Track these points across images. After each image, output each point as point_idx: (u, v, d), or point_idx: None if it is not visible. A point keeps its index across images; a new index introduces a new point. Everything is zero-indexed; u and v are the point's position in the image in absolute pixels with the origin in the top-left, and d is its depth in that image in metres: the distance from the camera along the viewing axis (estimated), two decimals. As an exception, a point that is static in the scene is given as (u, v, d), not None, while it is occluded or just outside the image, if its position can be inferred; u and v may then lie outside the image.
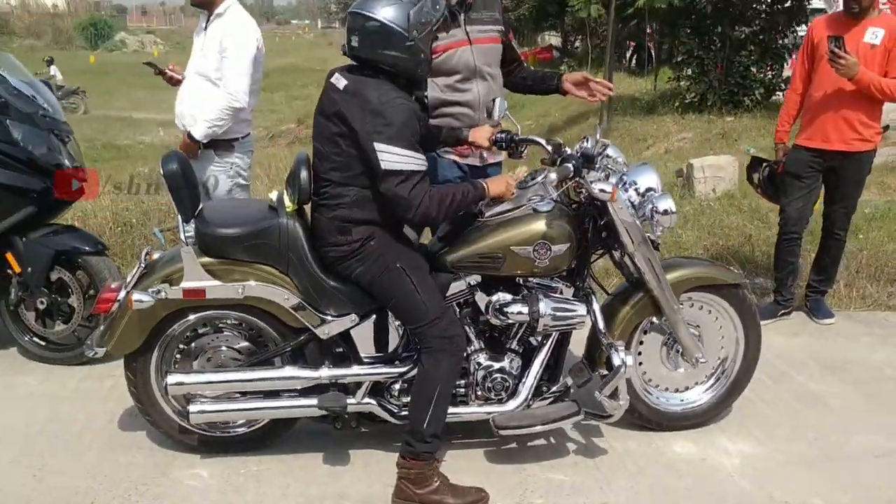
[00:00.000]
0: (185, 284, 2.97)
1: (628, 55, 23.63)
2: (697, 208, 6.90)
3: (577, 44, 29.14)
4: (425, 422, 2.91)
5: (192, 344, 3.15)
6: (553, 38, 33.44)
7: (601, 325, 3.20)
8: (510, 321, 3.10)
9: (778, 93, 12.39)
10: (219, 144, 4.21)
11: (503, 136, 3.33)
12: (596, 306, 3.22)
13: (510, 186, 3.07)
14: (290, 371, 3.09)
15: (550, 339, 3.19)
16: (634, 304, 3.29)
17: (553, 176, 2.95)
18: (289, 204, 3.02)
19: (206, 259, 3.00)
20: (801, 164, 4.58)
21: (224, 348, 3.15)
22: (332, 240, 2.97)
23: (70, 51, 41.04)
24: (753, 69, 12.29)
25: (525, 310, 3.06)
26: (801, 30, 12.20)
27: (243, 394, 3.13)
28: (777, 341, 4.51)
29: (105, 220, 5.99)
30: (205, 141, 4.15)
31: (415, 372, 3.03)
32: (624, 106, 14.04)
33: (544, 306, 3.05)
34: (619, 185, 3.12)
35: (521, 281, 3.17)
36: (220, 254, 3.01)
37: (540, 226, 3.04)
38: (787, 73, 12.70)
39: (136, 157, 11.88)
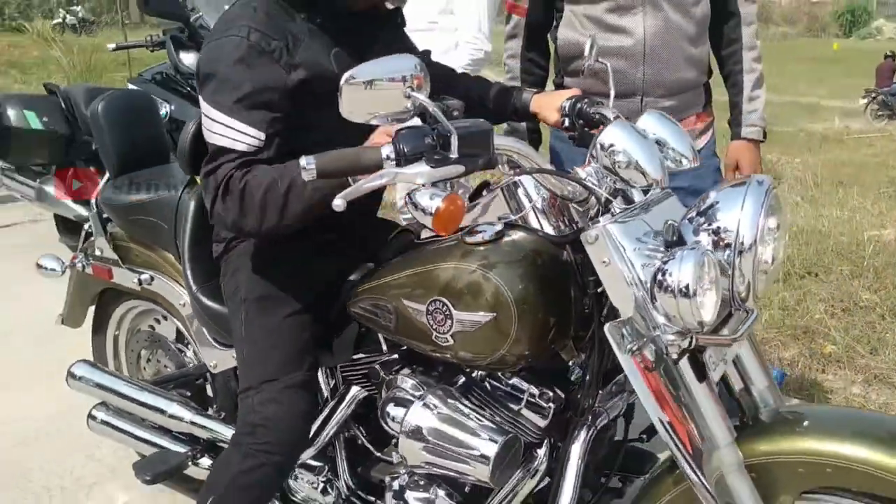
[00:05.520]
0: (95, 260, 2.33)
1: None
2: None
3: None
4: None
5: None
6: None
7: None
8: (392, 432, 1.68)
9: None
10: None
11: (578, 104, 1.78)
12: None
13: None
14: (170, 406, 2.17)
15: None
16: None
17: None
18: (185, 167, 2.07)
19: (117, 230, 2.30)
20: None
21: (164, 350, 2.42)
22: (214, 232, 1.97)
23: (823, 38, 39.91)
24: None
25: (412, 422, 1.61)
26: None
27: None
28: None
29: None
30: None
31: None
32: None
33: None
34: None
35: (468, 369, 1.68)
36: (124, 227, 2.28)
37: (444, 268, 1.54)
38: None
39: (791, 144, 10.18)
